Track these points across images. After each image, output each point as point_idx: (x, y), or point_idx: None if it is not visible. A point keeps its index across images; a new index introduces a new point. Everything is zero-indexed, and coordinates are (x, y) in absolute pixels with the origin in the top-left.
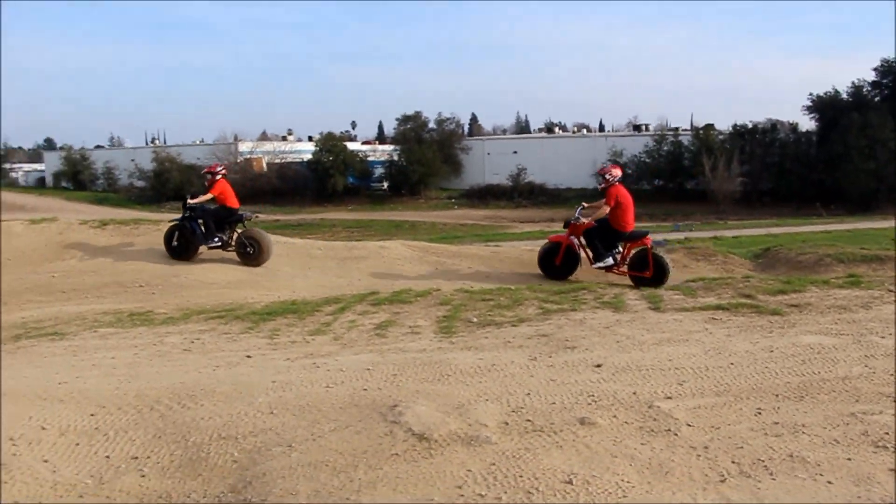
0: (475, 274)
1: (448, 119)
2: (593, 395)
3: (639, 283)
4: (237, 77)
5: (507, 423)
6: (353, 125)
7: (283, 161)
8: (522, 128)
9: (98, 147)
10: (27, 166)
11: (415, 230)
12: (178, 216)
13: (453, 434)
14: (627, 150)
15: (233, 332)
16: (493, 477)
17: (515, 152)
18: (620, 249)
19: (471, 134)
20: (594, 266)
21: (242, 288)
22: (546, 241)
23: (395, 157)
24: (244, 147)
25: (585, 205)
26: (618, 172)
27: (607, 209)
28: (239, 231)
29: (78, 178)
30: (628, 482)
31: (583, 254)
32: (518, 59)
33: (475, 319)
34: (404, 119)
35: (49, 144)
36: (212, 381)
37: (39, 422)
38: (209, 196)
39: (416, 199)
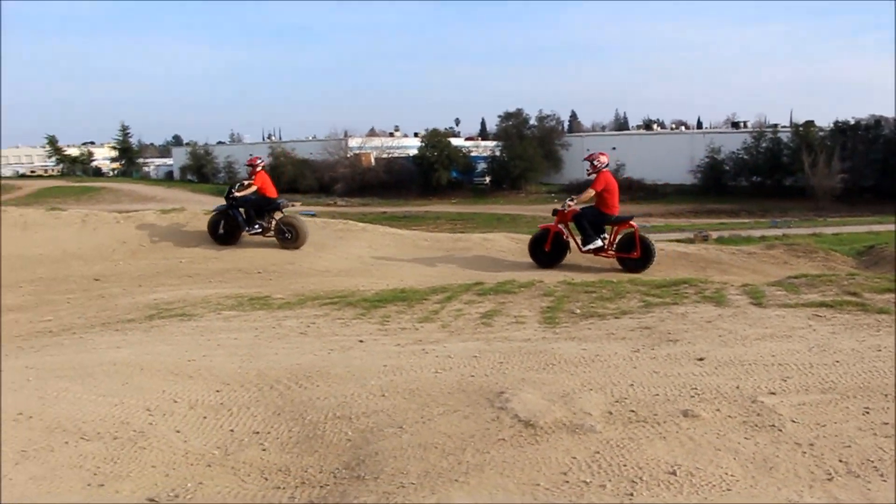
0: (575, 266)
1: (548, 116)
2: (696, 388)
3: (626, 264)
4: (348, 76)
5: (610, 413)
6: (457, 122)
7: (391, 156)
8: (621, 124)
9: (220, 143)
10: (158, 161)
11: (515, 223)
12: (221, 205)
13: (558, 422)
14: (725, 147)
15: (346, 318)
16: (597, 465)
17: (614, 148)
18: (607, 235)
19: (570, 131)
20: (583, 250)
21: (354, 276)
22: (537, 228)
23: (497, 153)
24: (354, 142)
25: (574, 198)
26: (605, 159)
27: (592, 192)
28: (277, 218)
29: (202, 171)
30: (732, 476)
31: (572, 242)
32: (617, 57)
33: (578, 311)
34: (506, 116)
35: (177, 141)
36: (326, 364)
37: (171, 395)
38: (254, 188)
39: (516, 193)
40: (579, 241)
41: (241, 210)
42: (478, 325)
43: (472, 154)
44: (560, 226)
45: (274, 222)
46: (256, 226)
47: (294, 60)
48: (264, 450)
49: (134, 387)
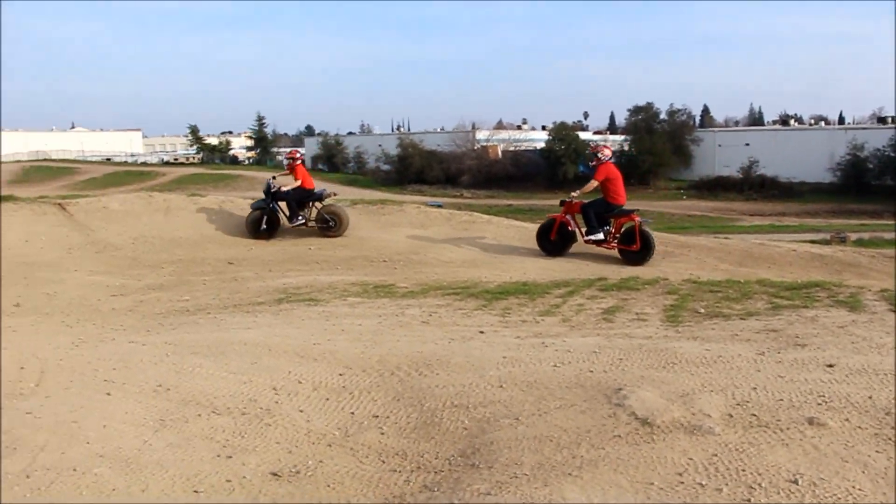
0: (701, 265)
1: (679, 110)
2: (824, 396)
3: (626, 255)
4: (477, 69)
5: (731, 416)
6: (586, 115)
7: (518, 149)
8: (756, 119)
9: (350, 133)
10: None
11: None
12: (260, 199)
13: (676, 421)
14: (870, 143)
15: (467, 309)
16: (714, 468)
17: (747, 144)
18: (610, 227)
19: (702, 125)
20: (586, 239)
21: (477, 267)
22: (546, 218)
23: (626, 147)
24: (481, 135)
25: (578, 190)
26: (608, 152)
27: (595, 183)
28: (318, 207)
29: (332, 161)
30: (860, 490)
31: (578, 232)
32: (752, 50)
33: (702, 310)
34: (635, 110)
35: (309, 131)
36: (447, 353)
37: (297, 376)
38: (297, 182)
39: (644, 188)
40: (583, 230)
41: (282, 204)
42: (599, 321)
43: None
44: (567, 216)
45: (315, 212)
46: (300, 217)
47: (424, 53)
48: (383, 433)
49: (262, 366)
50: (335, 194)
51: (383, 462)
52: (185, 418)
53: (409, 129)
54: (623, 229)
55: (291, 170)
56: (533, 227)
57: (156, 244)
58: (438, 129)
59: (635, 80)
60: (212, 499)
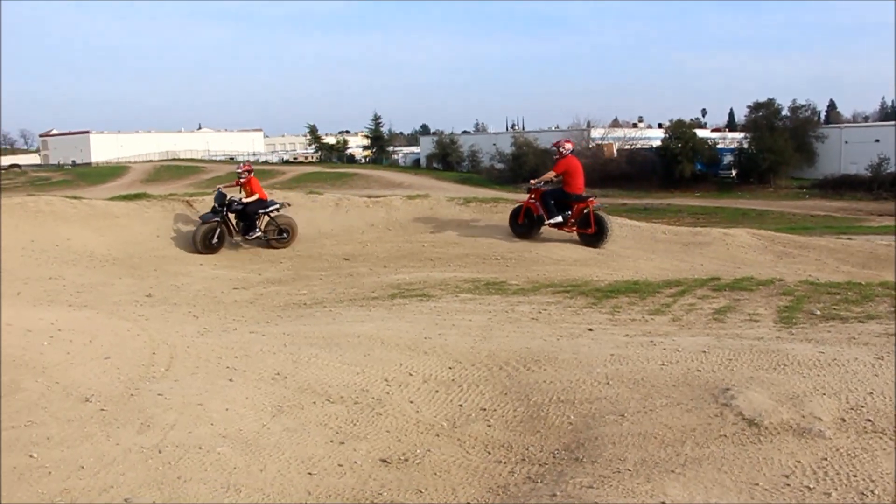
0: (821, 266)
1: (803, 106)
2: None
3: (583, 238)
4: (592, 66)
5: (843, 420)
6: (703, 112)
7: (633, 147)
8: (888, 114)
9: (464, 132)
10: (406, 149)
11: (762, 219)
12: (209, 212)
13: (785, 423)
14: None
15: (577, 306)
16: (823, 472)
17: (877, 140)
18: (570, 212)
19: (827, 121)
20: (546, 223)
21: (588, 266)
22: (515, 204)
23: (745, 145)
24: (596, 133)
25: (538, 179)
26: (570, 146)
27: (552, 174)
28: (269, 218)
29: (447, 159)
30: None
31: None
32: (885, 40)
33: (818, 312)
34: (756, 106)
35: (424, 130)
36: (555, 349)
37: (407, 369)
38: (255, 196)
39: (764, 187)
40: (545, 214)
41: (232, 216)
42: (709, 321)
43: (719, 146)
44: (533, 202)
45: (266, 221)
46: (257, 230)
47: (540, 51)
48: (489, 426)
49: (374, 358)
50: (290, 205)
51: (489, 453)
52: (300, 405)
53: (523, 128)
54: (581, 214)
55: (245, 183)
56: (647, 227)
57: None
58: (553, 128)
59: (757, 74)
60: (324, 481)
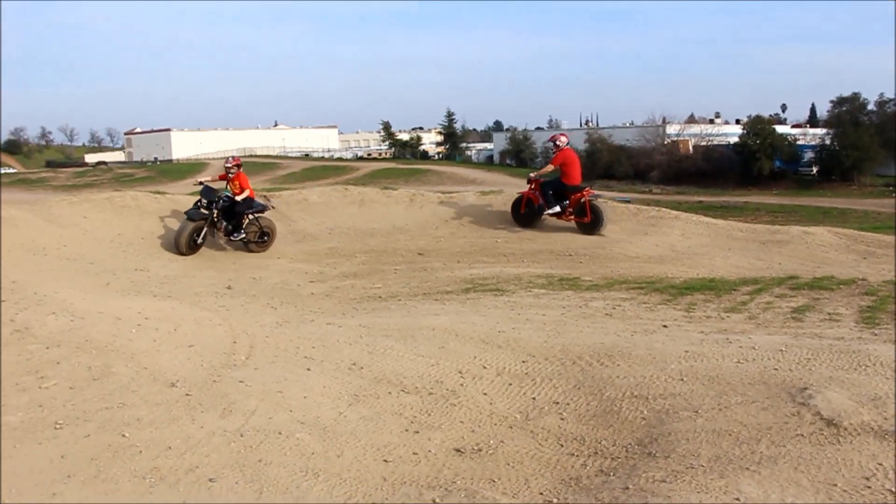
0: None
1: (891, 100)
2: None
3: (581, 226)
4: (667, 62)
5: None
6: (783, 108)
7: (710, 143)
8: None
9: (538, 129)
10: (479, 145)
11: (844, 218)
12: (193, 208)
13: (865, 425)
14: None
15: (651, 303)
16: None
17: None
18: (567, 201)
19: None
20: (546, 213)
21: (663, 263)
22: (517, 194)
23: (827, 141)
24: (671, 129)
25: (537, 171)
26: (565, 140)
27: (550, 167)
28: (251, 219)
29: (520, 156)
30: None
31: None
32: None
33: None
34: (839, 101)
35: (497, 126)
36: (628, 345)
37: (481, 361)
38: (246, 192)
39: (847, 185)
40: (544, 205)
41: (216, 214)
42: (787, 320)
43: (799, 142)
44: (533, 192)
45: (248, 221)
46: (243, 231)
47: (613, 46)
48: (562, 419)
49: (449, 351)
50: (274, 207)
51: (562, 446)
52: (376, 395)
53: (597, 124)
54: (577, 204)
55: (234, 178)
56: (723, 224)
57: (350, 234)
58: (627, 124)
59: (840, 68)
60: (399, 468)
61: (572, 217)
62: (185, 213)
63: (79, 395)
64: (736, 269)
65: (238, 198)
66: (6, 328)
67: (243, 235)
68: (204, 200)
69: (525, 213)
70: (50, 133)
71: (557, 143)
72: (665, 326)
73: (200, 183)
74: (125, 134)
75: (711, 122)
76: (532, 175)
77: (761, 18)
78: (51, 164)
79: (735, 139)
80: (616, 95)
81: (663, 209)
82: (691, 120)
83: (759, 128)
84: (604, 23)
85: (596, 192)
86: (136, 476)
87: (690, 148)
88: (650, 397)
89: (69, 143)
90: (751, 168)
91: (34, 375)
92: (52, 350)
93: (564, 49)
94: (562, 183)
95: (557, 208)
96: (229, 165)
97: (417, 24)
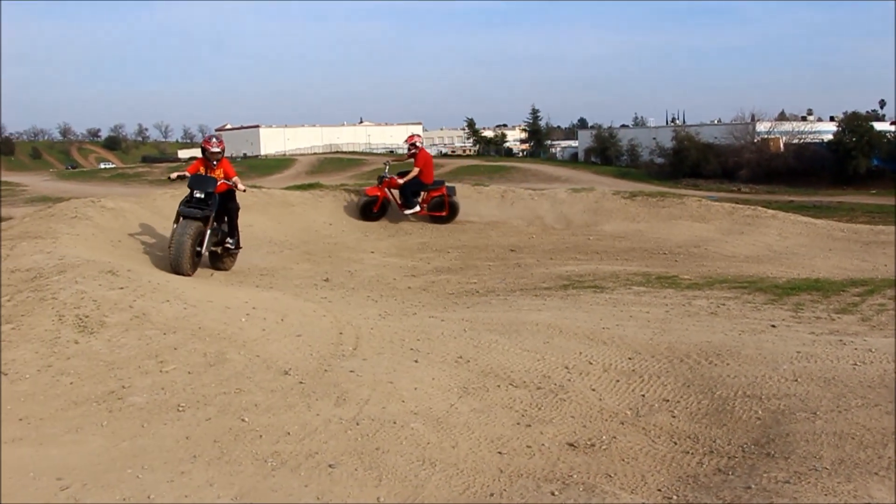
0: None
1: None
2: None
3: (436, 219)
4: (759, 58)
5: None
6: (882, 104)
7: (802, 141)
8: None
9: (623, 126)
10: (564, 143)
11: None
12: (192, 204)
13: None
14: None
15: (756, 302)
16: None
17: None
18: (419, 199)
19: None
20: (405, 213)
21: (761, 262)
22: (364, 194)
23: None
24: (761, 127)
25: (391, 162)
26: (420, 139)
27: (417, 171)
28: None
29: (605, 153)
30: None
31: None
32: None
33: None
34: None
35: (582, 124)
36: (737, 344)
37: (587, 357)
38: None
39: None
40: (402, 204)
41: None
42: None
43: None
44: (386, 191)
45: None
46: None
47: (701, 42)
48: (674, 417)
49: (554, 346)
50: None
51: (675, 443)
52: (485, 388)
53: (684, 121)
54: (433, 199)
55: (219, 166)
56: (823, 224)
57: (441, 230)
58: (715, 121)
59: None
60: (514, 461)
61: (426, 212)
62: (181, 211)
63: (197, 380)
64: (839, 270)
65: (240, 186)
66: (125, 314)
67: (231, 242)
68: (199, 193)
69: (378, 213)
70: (146, 130)
71: (417, 143)
72: (773, 326)
73: (171, 179)
74: (216, 130)
75: (804, 119)
76: (390, 177)
77: (858, 11)
78: (146, 160)
79: (829, 137)
80: (703, 93)
81: (759, 208)
82: (782, 117)
83: (855, 124)
84: (691, 18)
85: (452, 185)
86: (257, 459)
87: (781, 146)
88: (763, 397)
89: (164, 140)
90: (846, 167)
91: (154, 359)
92: (168, 336)
93: (650, 45)
94: (422, 183)
95: (416, 208)
96: (216, 150)
97: (503, 21)
